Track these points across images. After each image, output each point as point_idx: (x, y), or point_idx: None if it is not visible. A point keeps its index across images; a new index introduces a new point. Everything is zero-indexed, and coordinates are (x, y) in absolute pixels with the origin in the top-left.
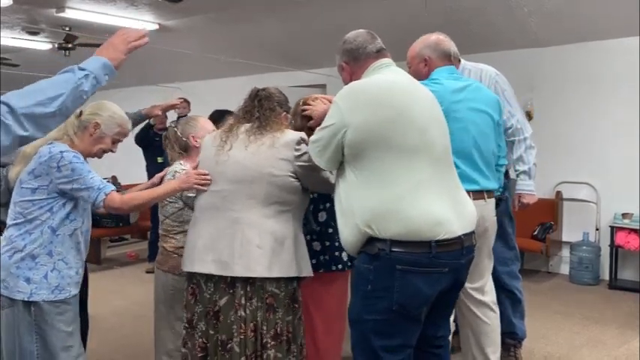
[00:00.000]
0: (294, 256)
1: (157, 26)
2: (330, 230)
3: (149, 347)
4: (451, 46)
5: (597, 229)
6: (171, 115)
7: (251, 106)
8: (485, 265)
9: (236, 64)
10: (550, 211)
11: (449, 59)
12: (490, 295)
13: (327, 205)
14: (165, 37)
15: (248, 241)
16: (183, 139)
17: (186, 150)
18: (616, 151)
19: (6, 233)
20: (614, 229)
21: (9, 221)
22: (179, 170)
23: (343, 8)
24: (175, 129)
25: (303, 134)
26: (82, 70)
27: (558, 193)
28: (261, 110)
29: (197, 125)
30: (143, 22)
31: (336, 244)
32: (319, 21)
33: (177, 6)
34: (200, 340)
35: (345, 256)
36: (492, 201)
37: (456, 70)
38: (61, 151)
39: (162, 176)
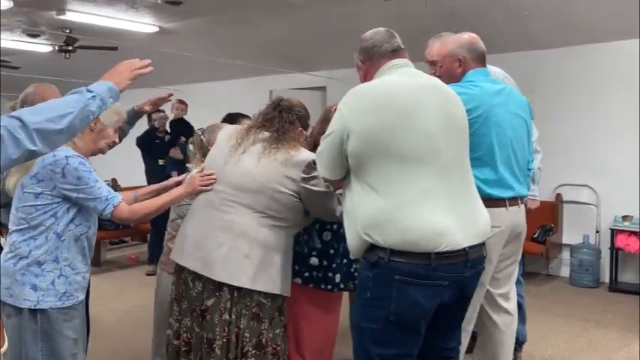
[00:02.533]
0: (280, 273)
1: (157, 29)
2: (332, 251)
3: (149, 350)
4: (483, 46)
5: (597, 232)
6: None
7: (272, 114)
8: (514, 270)
9: (236, 67)
10: (550, 213)
11: (483, 61)
12: (513, 303)
13: (334, 226)
14: (165, 39)
15: (237, 249)
16: (209, 147)
17: None
18: (616, 153)
19: (9, 239)
20: (614, 232)
21: (12, 227)
22: None
23: (343, 10)
24: (202, 137)
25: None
26: (90, 92)
27: (558, 195)
28: (281, 122)
29: None
30: (143, 24)
31: (334, 265)
32: (319, 23)
33: (177, 9)
34: (185, 335)
35: (338, 278)
36: (524, 206)
37: (489, 73)
38: (67, 157)
39: (178, 181)
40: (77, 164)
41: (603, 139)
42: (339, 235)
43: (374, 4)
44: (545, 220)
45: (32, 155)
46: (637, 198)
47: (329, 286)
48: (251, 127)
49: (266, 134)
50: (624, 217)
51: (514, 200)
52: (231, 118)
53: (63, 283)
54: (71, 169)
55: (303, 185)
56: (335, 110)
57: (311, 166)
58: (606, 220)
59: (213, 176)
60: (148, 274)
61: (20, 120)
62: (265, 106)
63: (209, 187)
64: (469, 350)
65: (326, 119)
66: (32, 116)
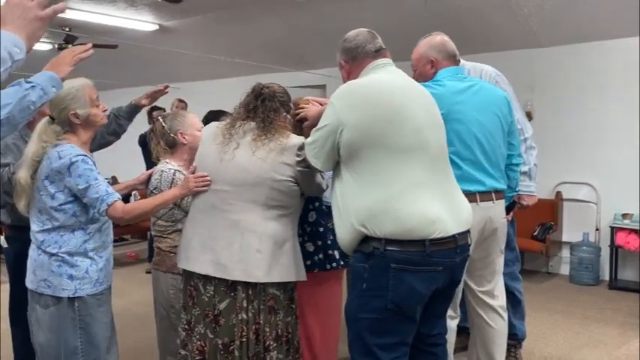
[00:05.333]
0: (293, 260)
1: (156, 27)
2: (321, 229)
3: (149, 347)
4: (454, 46)
5: (597, 230)
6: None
7: (254, 104)
8: (494, 267)
9: (236, 65)
10: (550, 211)
11: (454, 60)
12: (500, 300)
13: (316, 204)
14: (164, 37)
15: (248, 245)
16: (171, 135)
17: (173, 146)
18: (616, 151)
19: (35, 239)
20: (614, 230)
21: (36, 227)
22: (166, 170)
23: (343, 9)
24: (163, 124)
25: (303, 139)
26: (29, 82)
27: (558, 193)
28: (266, 111)
29: (185, 122)
30: (143, 22)
31: (328, 242)
32: (319, 21)
33: (177, 6)
34: (198, 343)
35: (337, 253)
36: (501, 202)
37: (461, 71)
38: (71, 158)
39: (150, 175)
40: (80, 162)
41: (603, 137)
42: (323, 212)
43: (374, 4)
44: (545, 218)
45: None
46: (637, 196)
47: (334, 264)
48: (235, 120)
49: (253, 124)
50: (624, 215)
51: (486, 195)
52: (214, 116)
53: (95, 271)
54: (75, 168)
55: (298, 168)
56: (294, 105)
57: (302, 148)
58: (606, 217)
59: (208, 178)
60: (147, 272)
61: None
62: (245, 95)
63: (204, 189)
64: (465, 348)
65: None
66: None
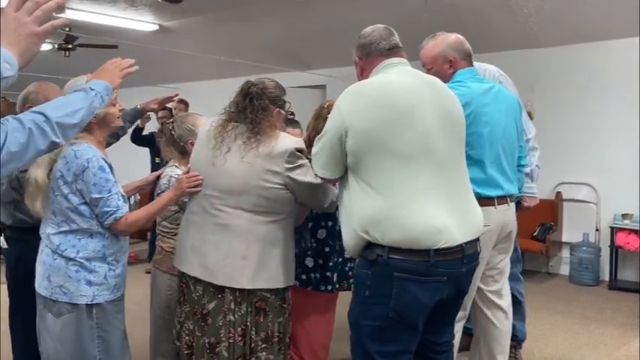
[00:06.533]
0: (282, 266)
1: (156, 27)
2: (327, 249)
3: (148, 347)
4: (469, 46)
5: (597, 230)
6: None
7: (243, 104)
8: (505, 267)
9: (236, 65)
10: (550, 211)
11: (470, 60)
12: (506, 299)
13: (330, 223)
14: (164, 37)
15: (234, 250)
16: (181, 143)
17: (183, 153)
18: (616, 151)
19: (50, 242)
20: (614, 230)
21: (51, 230)
22: (175, 176)
23: (343, 9)
24: (172, 131)
25: (299, 143)
26: (92, 90)
27: (558, 193)
28: (254, 111)
29: (195, 131)
30: (143, 22)
31: (330, 263)
32: (319, 22)
33: (177, 7)
34: (187, 338)
35: (335, 277)
36: (513, 204)
37: (477, 72)
38: (88, 159)
39: (159, 175)
40: (97, 169)
41: (603, 137)
42: (334, 233)
43: (374, 3)
44: (545, 218)
45: (54, 146)
46: (637, 196)
47: (329, 287)
48: (226, 122)
49: (243, 128)
50: (624, 216)
51: (503, 199)
52: None
53: (113, 276)
54: (90, 174)
55: (289, 175)
56: (328, 107)
57: (295, 154)
58: (606, 218)
59: (200, 177)
60: (147, 272)
61: (44, 115)
62: (236, 94)
63: (197, 189)
64: (466, 348)
65: (319, 116)
66: (54, 111)
